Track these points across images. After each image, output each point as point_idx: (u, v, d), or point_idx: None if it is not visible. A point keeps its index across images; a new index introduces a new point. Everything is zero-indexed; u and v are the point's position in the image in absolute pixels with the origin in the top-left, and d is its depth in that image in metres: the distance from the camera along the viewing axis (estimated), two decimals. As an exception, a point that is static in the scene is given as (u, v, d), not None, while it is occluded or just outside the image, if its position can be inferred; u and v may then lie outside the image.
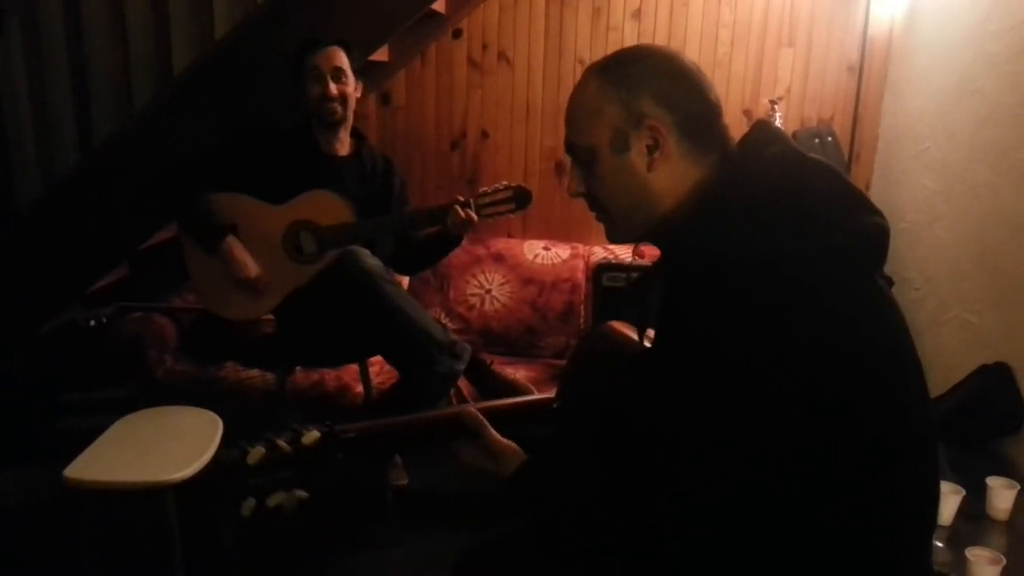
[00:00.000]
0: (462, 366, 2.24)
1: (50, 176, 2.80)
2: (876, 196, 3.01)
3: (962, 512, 1.73)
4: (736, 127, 1.05)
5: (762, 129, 1.09)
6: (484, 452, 1.15)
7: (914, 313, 2.63)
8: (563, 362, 2.88)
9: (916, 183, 2.84)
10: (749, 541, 0.94)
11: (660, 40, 3.14)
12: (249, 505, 1.07)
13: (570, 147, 1.12)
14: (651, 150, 1.05)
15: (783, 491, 0.92)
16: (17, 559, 2.29)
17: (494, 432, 1.15)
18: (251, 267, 2.30)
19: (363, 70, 2.46)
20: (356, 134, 2.50)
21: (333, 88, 2.32)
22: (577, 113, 1.10)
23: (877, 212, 1.00)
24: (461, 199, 2.29)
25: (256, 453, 1.07)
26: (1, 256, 2.68)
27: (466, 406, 1.19)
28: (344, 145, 2.46)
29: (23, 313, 2.76)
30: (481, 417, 1.16)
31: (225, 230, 2.29)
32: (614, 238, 1.15)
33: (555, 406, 1.25)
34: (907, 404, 1.00)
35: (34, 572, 2.24)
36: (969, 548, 1.57)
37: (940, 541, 1.63)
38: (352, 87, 2.36)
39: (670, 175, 1.05)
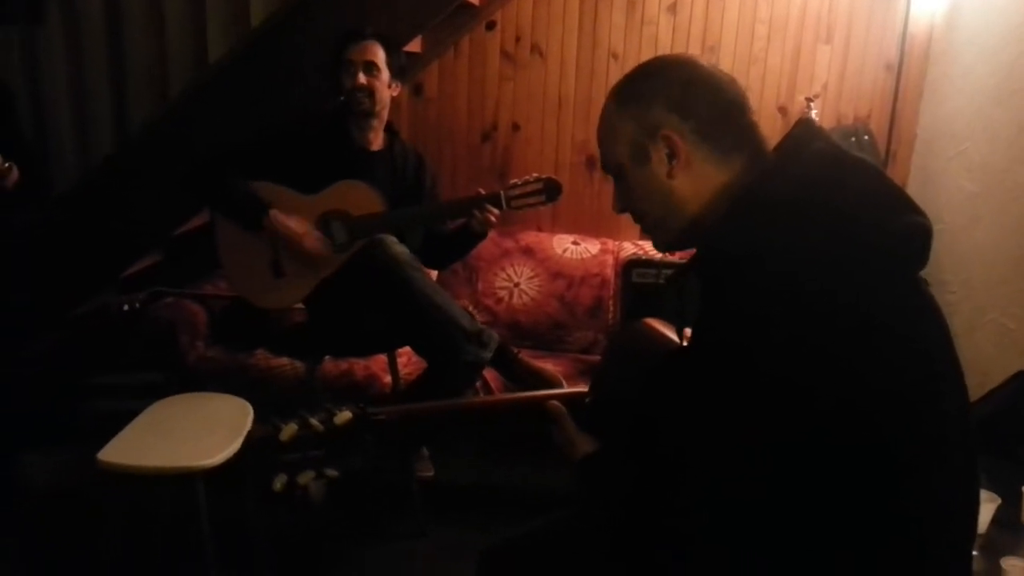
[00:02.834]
0: (489, 354, 2.24)
1: (87, 162, 2.84)
2: (912, 196, 2.96)
3: (997, 521, 1.71)
4: (771, 124, 1.06)
5: (803, 127, 1.09)
6: (563, 439, 1.20)
7: (949, 317, 2.55)
8: (590, 357, 2.88)
9: (954, 184, 2.80)
10: (777, 548, 0.93)
11: (695, 35, 3.11)
12: (281, 480, 1.09)
13: (604, 167, 1.17)
14: (670, 158, 1.07)
15: (813, 497, 0.91)
16: (47, 540, 2.33)
17: (571, 423, 1.19)
18: (303, 228, 2.30)
19: (404, 70, 2.47)
20: (389, 129, 2.51)
21: (362, 78, 2.32)
22: (602, 134, 1.15)
23: (919, 211, 0.98)
24: (483, 192, 2.31)
25: (289, 430, 1.09)
26: (38, 239, 2.72)
27: (551, 401, 1.22)
28: (377, 139, 2.47)
29: (58, 296, 2.80)
30: (564, 409, 1.21)
31: (267, 204, 2.30)
32: (658, 246, 1.18)
33: (587, 401, 1.25)
34: (945, 410, 0.99)
35: (64, 553, 2.28)
36: (1004, 558, 1.55)
37: (974, 550, 1.61)
38: (385, 83, 2.37)
39: (693, 180, 1.07)
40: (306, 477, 1.10)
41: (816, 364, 0.89)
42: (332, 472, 1.11)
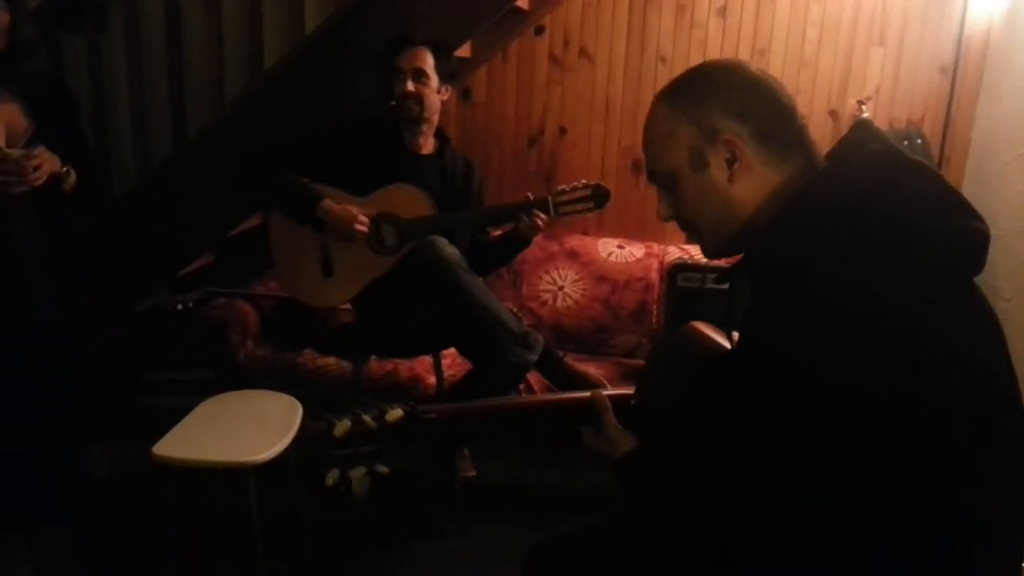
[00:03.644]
0: (534, 357, 2.25)
1: (146, 165, 2.92)
2: (967, 202, 2.91)
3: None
4: (821, 128, 1.05)
5: (860, 129, 1.08)
6: (602, 436, 1.18)
7: (1003, 324, 2.52)
8: (634, 361, 2.88)
9: (1011, 189, 2.73)
10: (831, 549, 0.93)
11: (745, 38, 3.09)
12: (333, 476, 1.12)
13: (652, 175, 1.14)
14: (730, 163, 1.06)
15: (865, 496, 0.90)
16: (105, 529, 2.41)
17: (614, 419, 1.18)
18: (361, 217, 2.32)
19: (454, 74, 2.50)
20: (440, 135, 2.55)
21: (410, 86, 2.36)
22: (653, 141, 1.12)
23: (977, 216, 0.97)
24: (531, 197, 2.32)
25: (342, 426, 1.11)
26: (99, 240, 2.81)
27: (597, 391, 1.21)
28: (428, 144, 2.50)
29: (116, 294, 2.88)
30: (608, 403, 1.19)
31: (321, 194, 2.32)
32: (708, 253, 1.16)
33: (633, 403, 1.25)
34: (1000, 417, 0.97)
35: (121, 542, 2.35)
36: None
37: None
38: (434, 89, 2.39)
39: (752, 183, 1.06)
40: (357, 472, 1.12)
41: (867, 367, 0.88)
42: (383, 468, 1.13)
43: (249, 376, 2.65)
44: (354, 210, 2.32)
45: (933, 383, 0.91)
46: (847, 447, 0.89)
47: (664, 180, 1.12)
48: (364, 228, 2.32)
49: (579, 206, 2.34)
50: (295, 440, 1.90)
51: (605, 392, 1.25)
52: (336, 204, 2.32)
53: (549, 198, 2.32)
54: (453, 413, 1.21)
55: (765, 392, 0.93)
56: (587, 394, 1.22)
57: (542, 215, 2.32)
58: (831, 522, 0.91)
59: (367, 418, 1.12)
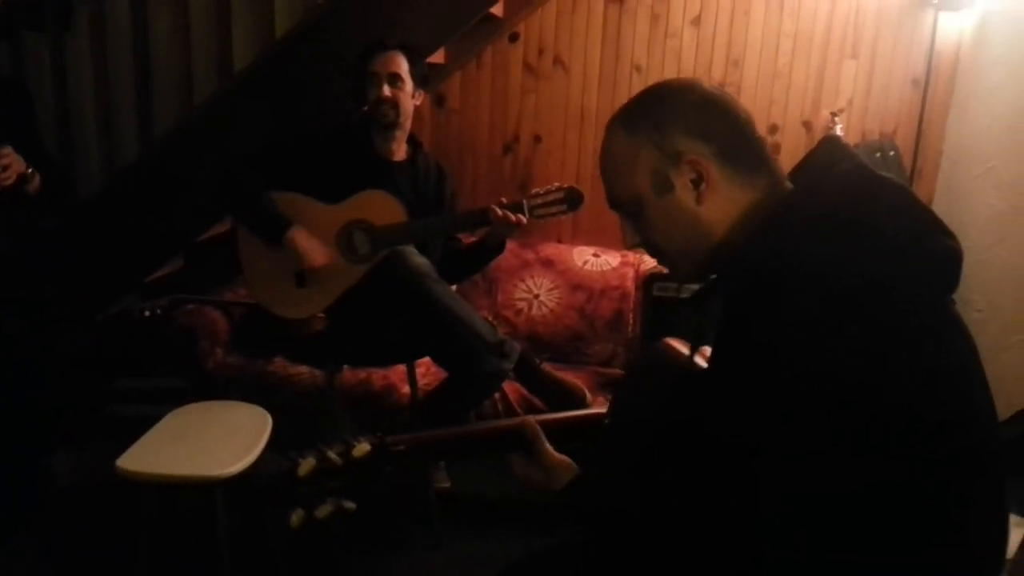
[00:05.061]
0: (510, 365, 2.23)
1: (111, 168, 2.86)
2: (938, 214, 2.93)
3: None
4: (795, 139, 1.04)
5: (830, 145, 1.07)
6: (537, 465, 1.15)
7: (975, 336, 2.54)
8: (610, 370, 2.86)
9: (981, 202, 2.77)
10: (809, 565, 0.92)
11: (719, 49, 3.10)
12: (298, 516, 1.06)
13: (615, 204, 1.12)
14: (696, 184, 1.03)
15: (849, 504, 0.90)
16: (69, 539, 2.35)
17: (548, 446, 1.15)
18: (320, 255, 2.30)
19: (427, 79, 2.48)
20: (412, 141, 2.52)
21: (386, 91, 2.33)
22: (613, 168, 1.10)
23: (950, 235, 0.98)
24: (505, 201, 2.30)
25: (307, 465, 1.06)
26: (62, 244, 2.75)
27: (527, 417, 1.18)
28: (400, 150, 2.48)
29: (81, 300, 2.82)
30: (539, 429, 1.16)
31: (289, 220, 2.30)
32: (678, 276, 1.13)
33: (606, 422, 1.24)
34: (976, 431, 0.97)
35: (87, 550, 2.30)
36: (1031, 584, 1.52)
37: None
38: (408, 93, 2.37)
39: (721, 203, 1.04)
40: (323, 511, 1.07)
41: (846, 378, 0.88)
42: (349, 505, 1.08)
43: (218, 384, 2.60)
44: (316, 254, 2.29)
45: (910, 396, 0.91)
46: (827, 457, 0.89)
47: (628, 208, 1.10)
48: (323, 270, 2.30)
49: (553, 208, 2.33)
50: (265, 465, 1.85)
51: (585, 412, 1.24)
52: (303, 237, 2.28)
53: (523, 201, 2.30)
54: (422, 443, 1.17)
55: (746, 404, 0.93)
56: (517, 421, 1.18)
57: (521, 215, 2.28)
58: (813, 532, 0.91)
59: (332, 455, 1.08)
